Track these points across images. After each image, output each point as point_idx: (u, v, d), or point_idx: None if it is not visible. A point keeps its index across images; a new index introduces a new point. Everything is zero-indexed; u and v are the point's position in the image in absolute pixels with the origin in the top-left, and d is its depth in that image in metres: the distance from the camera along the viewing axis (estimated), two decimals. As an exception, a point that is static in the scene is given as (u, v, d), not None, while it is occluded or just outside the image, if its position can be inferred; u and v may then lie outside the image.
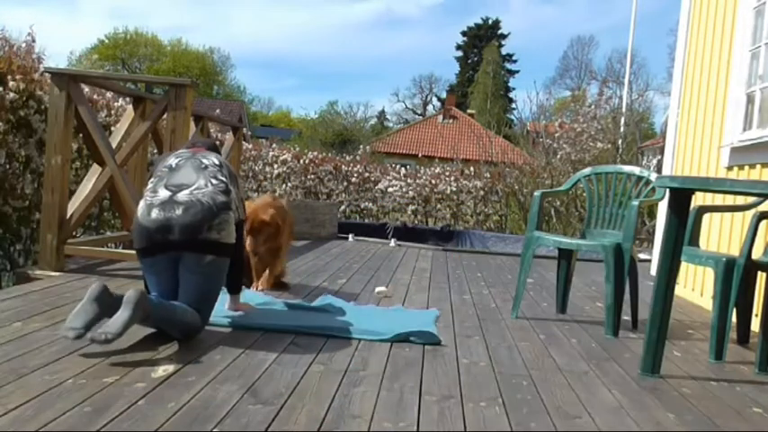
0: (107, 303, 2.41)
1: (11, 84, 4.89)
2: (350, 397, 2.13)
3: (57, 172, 3.91)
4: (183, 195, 2.67)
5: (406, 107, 53.62)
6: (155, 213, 2.64)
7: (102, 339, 2.26)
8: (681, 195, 2.66)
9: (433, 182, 11.70)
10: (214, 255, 2.69)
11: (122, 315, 2.33)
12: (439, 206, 11.57)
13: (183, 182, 2.74)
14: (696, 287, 4.77)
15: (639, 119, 14.63)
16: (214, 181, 2.77)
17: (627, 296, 3.55)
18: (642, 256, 6.26)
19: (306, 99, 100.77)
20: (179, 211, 2.62)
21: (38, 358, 2.26)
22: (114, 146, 4.45)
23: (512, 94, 45.60)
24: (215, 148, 3.12)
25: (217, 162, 2.89)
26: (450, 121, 35.45)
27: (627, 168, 3.93)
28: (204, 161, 2.87)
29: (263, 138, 15.52)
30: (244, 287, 3.23)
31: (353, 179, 11.61)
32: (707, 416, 2.23)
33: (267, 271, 3.45)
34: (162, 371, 2.23)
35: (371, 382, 2.30)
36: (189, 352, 2.48)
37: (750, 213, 3.42)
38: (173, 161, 2.88)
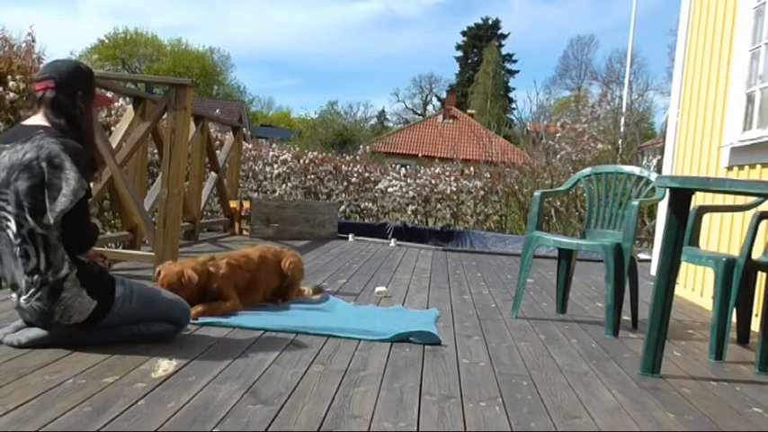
0: None
1: (11, 84, 4.90)
2: (350, 397, 2.13)
3: (57, 172, 3.90)
4: None
5: (406, 107, 53.67)
6: None
7: (8, 342, 2.40)
8: (681, 195, 2.66)
9: (433, 182, 11.70)
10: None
11: (38, 331, 2.40)
12: (439, 206, 11.56)
13: None
14: (696, 287, 4.77)
15: (639, 119, 14.61)
16: None
17: (627, 296, 3.55)
18: (642, 256, 6.26)
19: (306, 99, 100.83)
20: None
21: (38, 358, 2.26)
22: (114, 146, 4.46)
23: (512, 94, 45.61)
24: (54, 108, 2.43)
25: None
26: (450, 121, 35.45)
27: (627, 168, 3.93)
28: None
29: (263, 138, 15.55)
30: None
31: (353, 179, 11.60)
32: (707, 416, 2.23)
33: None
34: (162, 371, 2.23)
35: (371, 382, 2.30)
36: (189, 352, 2.48)
37: (750, 213, 3.43)
38: None
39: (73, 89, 2.46)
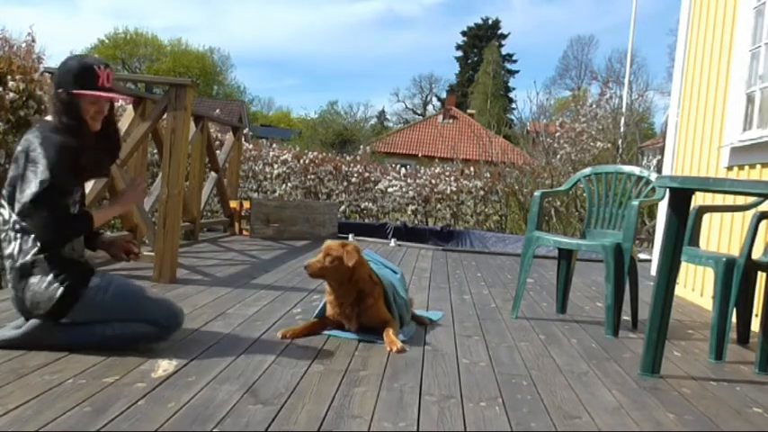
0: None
1: (11, 84, 4.90)
2: (350, 397, 2.13)
3: (57, 172, 3.90)
4: None
5: (406, 107, 53.69)
6: None
7: None
8: (681, 195, 2.66)
9: (433, 182, 11.68)
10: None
11: (11, 332, 2.39)
12: (439, 206, 11.55)
13: None
14: (696, 287, 4.77)
15: (639, 119, 14.61)
16: None
17: (627, 296, 3.55)
18: (642, 256, 6.26)
19: (306, 99, 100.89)
20: None
21: (38, 358, 2.26)
22: (114, 146, 4.45)
23: (512, 94, 45.62)
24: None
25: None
26: (450, 121, 35.43)
27: (627, 168, 3.93)
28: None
29: (263, 138, 15.53)
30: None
31: (353, 179, 11.59)
32: (707, 416, 2.23)
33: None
34: (162, 371, 2.23)
35: (371, 382, 2.30)
36: (189, 352, 2.48)
37: (750, 213, 3.42)
38: None
39: (56, 87, 2.48)
